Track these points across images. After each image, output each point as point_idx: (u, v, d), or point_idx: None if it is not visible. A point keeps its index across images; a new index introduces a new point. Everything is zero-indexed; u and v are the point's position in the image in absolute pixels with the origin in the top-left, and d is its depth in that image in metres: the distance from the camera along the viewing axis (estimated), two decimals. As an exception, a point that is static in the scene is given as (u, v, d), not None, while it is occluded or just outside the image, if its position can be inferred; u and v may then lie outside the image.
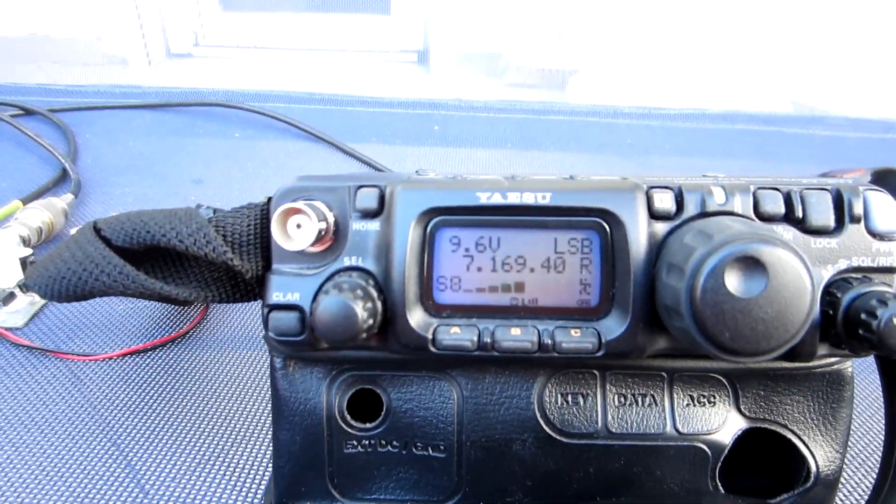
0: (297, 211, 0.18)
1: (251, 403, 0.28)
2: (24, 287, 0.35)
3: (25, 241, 0.39)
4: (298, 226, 0.19)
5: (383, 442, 0.21)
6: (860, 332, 0.17)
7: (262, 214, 0.20)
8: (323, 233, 0.18)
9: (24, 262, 0.37)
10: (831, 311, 0.17)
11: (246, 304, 0.34)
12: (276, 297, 0.19)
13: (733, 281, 0.15)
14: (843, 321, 0.17)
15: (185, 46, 1.80)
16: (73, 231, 0.41)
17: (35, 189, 0.48)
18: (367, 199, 0.19)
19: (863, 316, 0.16)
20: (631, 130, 0.67)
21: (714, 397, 0.21)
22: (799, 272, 0.15)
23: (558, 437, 0.20)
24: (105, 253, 0.20)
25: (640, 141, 0.64)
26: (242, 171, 0.54)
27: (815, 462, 0.21)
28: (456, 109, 0.72)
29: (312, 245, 0.19)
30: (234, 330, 0.33)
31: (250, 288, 0.21)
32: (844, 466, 0.25)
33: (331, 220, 0.19)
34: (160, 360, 0.31)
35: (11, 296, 0.35)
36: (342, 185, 0.19)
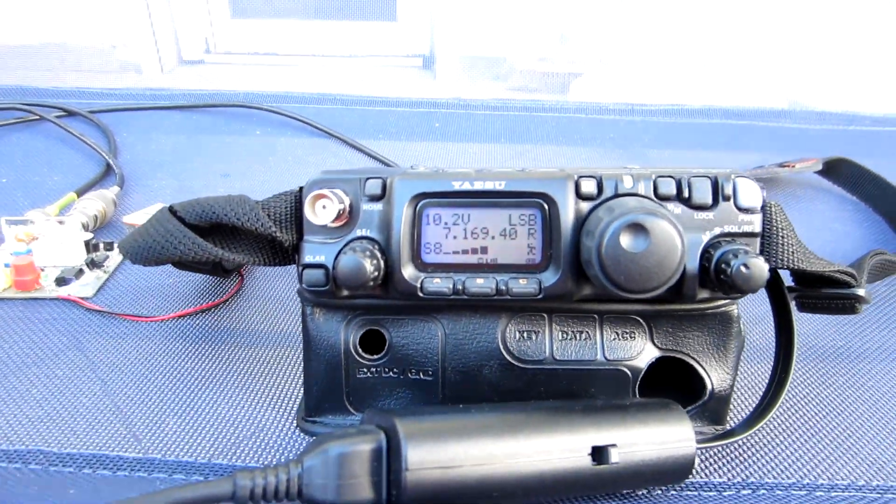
0: (323, 196, 0.25)
1: (282, 349, 0.35)
2: (91, 264, 0.43)
3: (86, 227, 0.46)
4: (324, 207, 0.26)
5: (386, 369, 0.28)
6: (722, 277, 0.23)
7: (296, 199, 0.27)
8: (341, 212, 0.25)
9: (87, 245, 0.44)
10: (707, 264, 0.24)
11: (271, 283, 0.41)
12: (307, 258, 0.26)
13: (626, 240, 0.22)
14: (714, 271, 0.24)
15: (196, 53, 1.86)
16: (124, 218, 0.48)
17: (85, 182, 0.55)
18: (373, 187, 0.25)
19: (723, 266, 0.23)
20: (614, 126, 0.73)
21: (634, 333, 0.27)
22: (672, 234, 0.22)
23: (517, 364, 0.27)
24: (181, 228, 0.27)
25: (621, 135, 0.71)
26: (264, 165, 0.61)
27: (711, 382, 0.28)
28: (455, 108, 0.78)
29: (333, 221, 0.26)
30: (262, 301, 0.40)
31: (287, 254, 0.28)
32: (742, 385, 0.32)
33: (347, 202, 0.26)
34: (207, 321, 0.38)
35: (81, 271, 0.42)
36: (355, 177, 0.26)
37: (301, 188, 0.27)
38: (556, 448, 0.21)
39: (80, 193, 0.51)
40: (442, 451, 0.20)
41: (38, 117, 0.68)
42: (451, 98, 0.81)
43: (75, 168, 0.59)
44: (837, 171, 0.58)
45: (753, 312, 0.38)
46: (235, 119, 0.73)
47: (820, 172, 0.58)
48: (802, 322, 0.36)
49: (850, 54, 1.16)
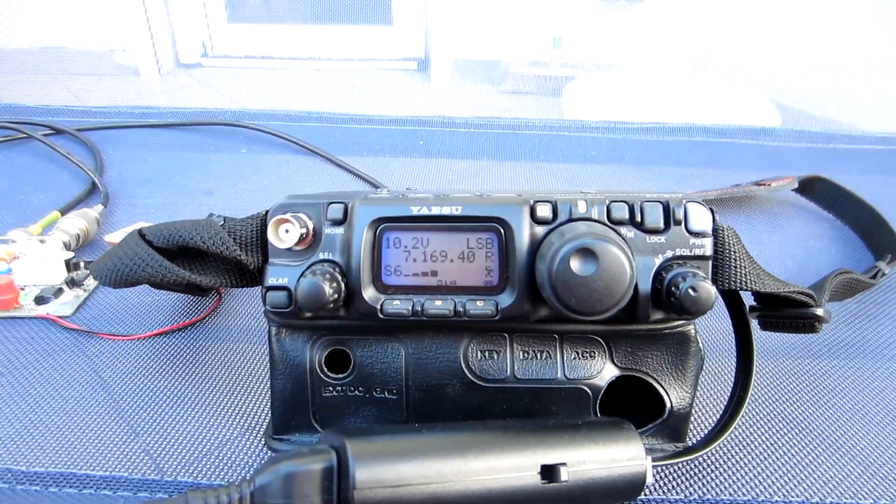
0: (286, 220, 0.26)
1: (255, 367, 0.36)
2: (71, 283, 0.43)
3: (67, 246, 0.47)
4: (287, 231, 0.26)
5: (351, 388, 0.28)
6: (672, 299, 0.24)
7: (261, 222, 0.28)
8: (304, 236, 0.26)
9: (68, 264, 0.44)
10: (659, 287, 0.25)
11: (249, 302, 0.42)
12: (271, 281, 0.26)
13: (575, 264, 0.23)
14: (665, 293, 0.24)
15: (193, 57, 1.87)
16: (105, 237, 0.49)
17: (69, 201, 0.56)
18: (335, 211, 0.26)
19: (672, 288, 0.24)
20: (595, 143, 0.74)
21: (594, 352, 0.28)
22: (620, 258, 0.23)
23: (479, 382, 0.28)
24: (149, 251, 0.27)
25: (603, 153, 0.72)
26: (248, 183, 0.62)
27: (671, 400, 0.28)
28: (440, 125, 0.79)
29: (297, 245, 0.26)
30: (239, 319, 0.41)
31: (253, 276, 0.29)
32: (703, 402, 0.32)
33: (310, 226, 0.26)
34: (183, 340, 0.38)
35: (60, 290, 0.43)
36: (318, 202, 0.26)
37: (266, 212, 0.27)
38: (505, 466, 0.22)
39: (63, 212, 0.52)
40: (390, 471, 0.21)
41: (25, 135, 0.69)
42: (436, 115, 0.82)
43: (61, 186, 0.60)
44: (813, 188, 0.59)
45: (724, 330, 0.38)
46: (222, 136, 0.73)
47: (796, 190, 0.59)
48: (767, 342, 0.37)
49: (830, 74, 1.18)
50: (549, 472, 0.22)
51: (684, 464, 0.29)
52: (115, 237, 0.49)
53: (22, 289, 0.42)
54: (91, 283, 0.44)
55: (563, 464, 0.22)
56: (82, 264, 0.45)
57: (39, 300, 0.41)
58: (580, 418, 0.26)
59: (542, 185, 0.65)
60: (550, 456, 0.22)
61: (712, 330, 0.39)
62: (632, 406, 0.29)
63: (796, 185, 0.58)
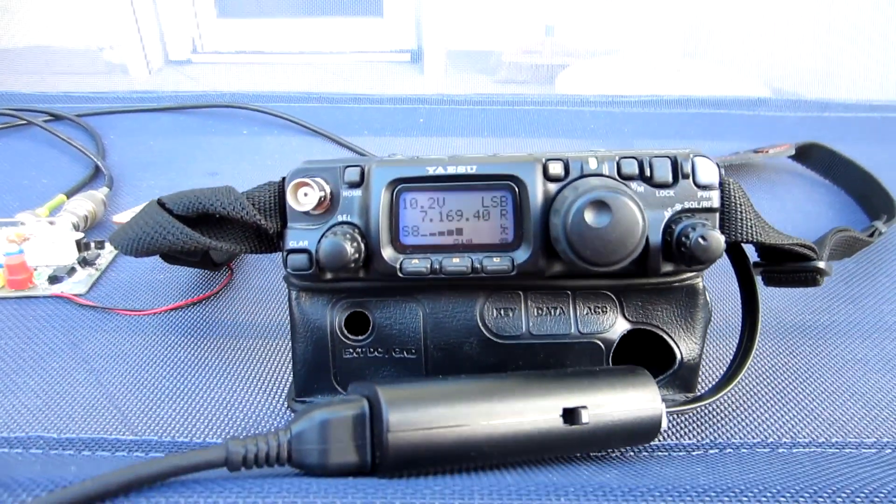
0: (305, 184, 0.27)
1: (271, 337, 0.36)
2: (83, 263, 0.44)
3: (76, 227, 0.47)
4: (305, 194, 0.27)
5: (371, 349, 0.29)
6: (682, 250, 0.25)
7: (279, 188, 0.28)
8: (322, 199, 0.27)
9: (78, 244, 0.45)
10: (669, 239, 0.26)
11: (259, 276, 0.42)
12: (291, 244, 0.27)
13: (590, 216, 0.23)
14: (675, 244, 0.25)
15: (183, 53, 1.86)
16: (113, 217, 0.49)
17: (73, 184, 0.56)
18: (352, 174, 0.27)
19: (683, 239, 0.25)
20: (594, 117, 0.75)
21: (606, 307, 0.29)
22: (633, 209, 0.23)
23: (495, 339, 0.29)
24: (169, 219, 0.28)
25: (601, 126, 0.72)
26: (251, 164, 0.62)
27: (680, 351, 0.29)
28: (439, 103, 0.80)
29: (315, 208, 0.27)
30: (251, 292, 0.41)
31: (272, 241, 0.29)
32: (709, 356, 0.33)
33: (328, 190, 0.27)
34: (198, 313, 0.39)
35: (73, 269, 0.43)
36: (335, 166, 0.27)
37: (283, 178, 0.28)
38: (529, 410, 0.23)
39: (69, 195, 0.52)
40: (421, 414, 0.22)
41: (25, 122, 0.69)
42: (435, 94, 0.82)
43: (64, 171, 0.60)
44: (809, 155, 0.60)
45: (729, 290, 0.39)
46: (222, 119, 0.73)
47: (793, 157, 0.60)
48: (772, 298, 0.38)
49: (825, 43, 1.18)
50: (570, 414, 0.23)
51: (695, 411, 0.30)
52: (123, 217, 0.49)
53: (35, 269, 0.42)
54: (103, 262, 0.44)
55: (584, 407, 0.23)
56: (93, 244, 0.45)
57: (53, 279, 0.42)
58: (596, 367, 0.27)
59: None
60: (571, 400, 0.23)
61: (715, 291, 0.40)
62: (643, 359, 0.29)
63: (793, 153, 0.59)
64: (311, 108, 0.77)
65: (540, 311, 0.29)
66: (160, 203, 0.29)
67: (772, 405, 0.30)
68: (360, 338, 0.29)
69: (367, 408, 0.22)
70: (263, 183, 0.29)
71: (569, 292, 0.29)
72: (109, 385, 0.33)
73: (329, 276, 0.27)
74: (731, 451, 0.28)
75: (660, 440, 0.28)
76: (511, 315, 0.29)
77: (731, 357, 0.30)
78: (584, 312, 0.29)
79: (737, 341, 0.30)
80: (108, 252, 0.45)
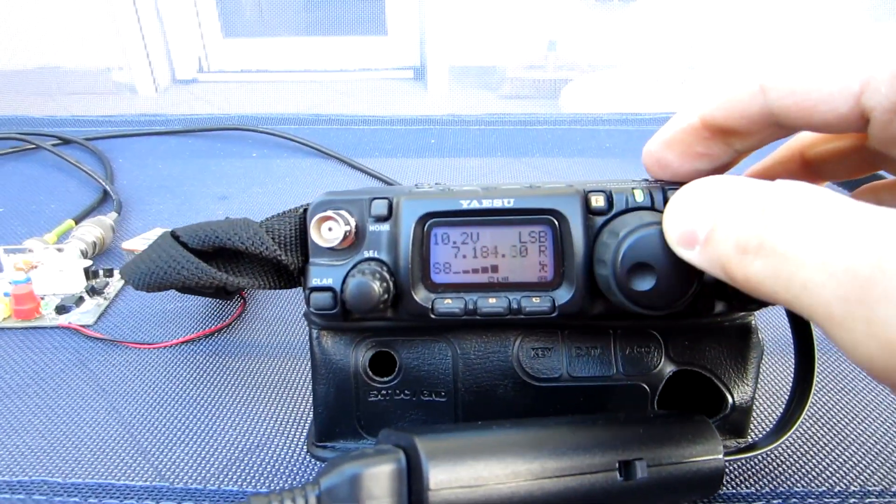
0: (329, 218, 0.25)
1: (287, 372, 0.35)
2: (92, 292, 0.42)
3: (84, 254, 0.46)
4: (330, 229, 0.25)
5: (398, 391, 0.27)
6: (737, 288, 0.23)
7: (300, 220, 0.27)
8: (348, 233, 0.25)
9: (87, 272, 0.43)
10: (722, 276, 0.24)
11: (272, 306, 0.40)
12: (314, 281, 0.25)
13: (634, 281, 0.21)
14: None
15: (190, 73, 1.87)
16: (122, 244, 0.48)
17: (82, 209, 0.54)
18: (380, 207, 0.25)
19: (739, 277, 0.23)
20: (609, 135, 0.73)
21: (650, 347, 0.27)
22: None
23: (531, 382, 0.27)
24: (184, 253, 0.26)
25: (617, 144, 0.71)
26: (262, 186, 0.61)
27: (731, 395, 0.27)
28: (450, 124, 0.79)
29: (340, 243, 0.25)
30: (265, 324, 0.40)
31: (292, 277, 0.27)
32: (764, 394, 0.31)
33: (353, 224, 0.25)
34: (210, 346, 0.37)
35: (81, 299, 0.41)
36: (360, 198, 0.25)
37: (304, 209, 0.26)
38: (583, 464, 0.21)
39: (77, 220, 0.51)
40: (465, 470, 0.20)
41: (34, 146, 0.68)
42: (445, 114, 0.81)
43: (72, 195, 0.58)
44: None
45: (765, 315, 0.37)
46: (231, 142, 0.72)
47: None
48: (817, 332, 0.36)
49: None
50: (627, 467, 0.21)
51: (748, 458, 0.28)
52: (132, 244, 0.48)
53: (42, 298, 0.41)
54: (111, 290, 0.43)
55: (641, 459, 0.21)
56: (101, 272, 0.44)
57: (61, 309, 0.40)
58: (650, 411, 0.25)
59: (565, 178, 0.64)
60: (629, 451, 0.21)
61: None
62: (688, 402, 0.28)
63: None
64: (320, 130, 0.76)
65: (579, 351, 0.27)
66: (174, 236, 0.27)
67: (832, 448, 0.28)
68: (385, 379, 0.27)
69: (405, 461, 0.20)
70: (282, 212, 0.27)
71: (610, 331, 0.27)
72: (118, 425, 0.31)
73: (355, 316, 0.25)
74: (797, 501, 0.25)
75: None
76: (548, 356, 0.27)
77: (786, 397, 0.28)
78: (627, 352, 0.27)
79: (776, 376, 0.28)
80: (117, 280, 0.44)
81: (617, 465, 0.21)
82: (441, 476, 0.19)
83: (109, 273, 0.44)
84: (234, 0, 1.82)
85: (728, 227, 0.17)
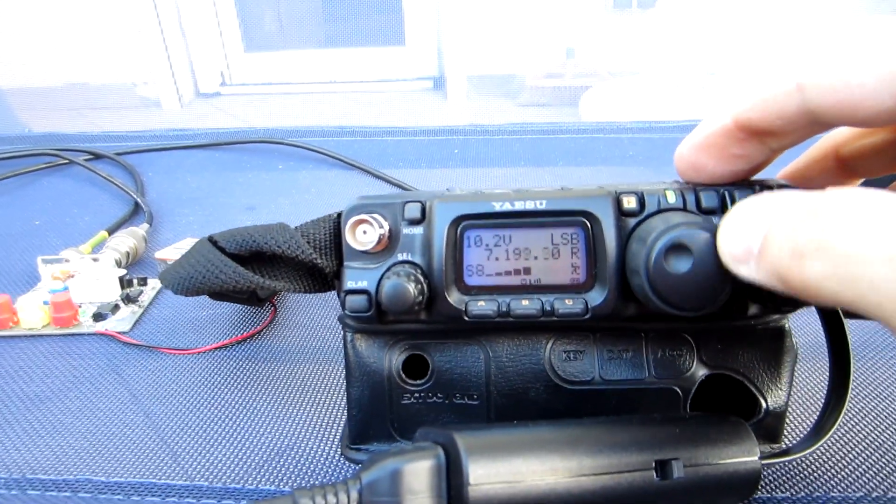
0: (364, 221, 0.25)
1: (320, 376, 0.35)
2: (127, 300, 0.43)
3: (118, 264, 0.47)
4: (364, 232, 0.26)
5: (430, 394, 0.28)
6: (772, 291, 0.23)
7: (335, 224, 0.27)
8: (382, 237, 0.25)
9: (121, 280, 0.44)
10: (756, 277, 0.24)
11: (303, 312, 0.41)
12: (349, 284, 0.26)
13: (674, 259, 0.21)
14: (764, 284, 0.23)
15: (212, 86, 1.91)
16: (155, 254, 0.49)
17: (114, 221, 0.56)
18: (413, 210, 0.25)
19: (774, 277, 0.23)
20: (633, 144, 0.73)
21: (682, 350, 0.27)
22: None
23: (563, 385, 0.27)
24: (221, 257, 0.27)
25: (640, 152, 0.71)
26: (288, 197, 0.62)
27: (765, 399, 0.27)
28: (472, 134, 0.79)
29: (375, 246, 0.26)
30: (296, 329, 0.40)
31: (327, 280, 0.28)
32: (798, 399, 0.31)
33: (387, 227, 0.26)
34: (244, 352, 0.38)
35: (116, 307, 0.43)
36: (394, 202, 0.26)
37: (339, 213, 0.27)
38: (620, 462, 0.21)
39: (110, 232, 0.52)
40: (504, 466, 0.20)
41: (67, 161, 0.70)
42: (467, 124, 0.82)
43: (105, 208, 0.60)
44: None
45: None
46: (256, 154, 0.74)
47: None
48: (856, 330, 0.35)
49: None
50: (664, 467, 0.21)
51: (784, 463, 0.27)
52: (164, 254, 0.49)
53: (79, 306, 0.42)
54: (146, 298, 0.44)
55: (677, 459, 0.21)
56: (135, 281, 0.45)
57: (97, 317, 0.41)
58: (686, 413, 0.25)
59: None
60: (665, 451, 0.21)
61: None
62: (720, 405, 0.27)
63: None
64: (344, 142, 0.77)
65: (611, 354, 0.27)
66: (212, 241, 0.28)
67: (870, 454, 0.28)
68: (418, 382, 0.28)
69: (444, 457, 0.20)
70: (316, 218, 0.28)
71: (642, 334, 0.27)
72: (157, 427, 0.31)
73: (389, 318, 0.26)
74: (833, 507, 0.25)
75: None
76: (580, 359, 0.27)
77: (821, 402, 0.28)
78: (659, 356, 0.27)
79: (808, 378, 0.28)
80: (151, 289, 0.45)
81: (653, 464, 0.21)
82: (480, 471, 0.20)
83: (143, 282, 0.45)
84: (255, 14, 1.86)
85: (782, 235, 0.17)
